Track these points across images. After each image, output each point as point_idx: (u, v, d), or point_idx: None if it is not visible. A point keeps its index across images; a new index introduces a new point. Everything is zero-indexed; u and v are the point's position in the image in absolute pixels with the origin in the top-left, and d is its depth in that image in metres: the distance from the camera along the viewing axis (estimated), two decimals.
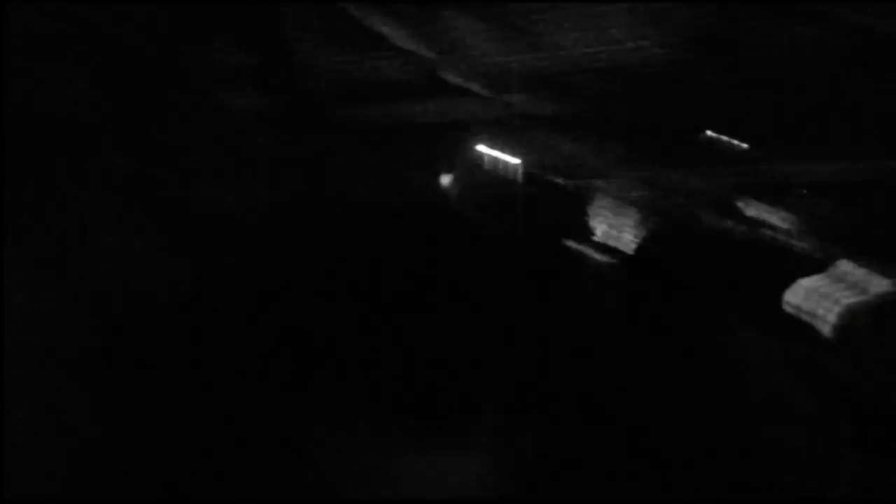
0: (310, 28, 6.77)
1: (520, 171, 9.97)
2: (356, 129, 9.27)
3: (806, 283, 4.05)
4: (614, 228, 9.90)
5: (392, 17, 6.63)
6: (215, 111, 7.97)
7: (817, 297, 3.94)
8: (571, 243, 5.00)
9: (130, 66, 7.11)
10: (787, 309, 4.17)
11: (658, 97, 8.70)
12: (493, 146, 9.86)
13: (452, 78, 7.82)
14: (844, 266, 4.16)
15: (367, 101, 8.94)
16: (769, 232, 6.90)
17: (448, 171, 10.45)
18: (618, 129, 9.66)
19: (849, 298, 3.99)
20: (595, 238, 6.30)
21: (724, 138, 9.12)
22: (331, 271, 3.43)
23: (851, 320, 3.94)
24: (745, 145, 9.16)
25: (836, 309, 3.96)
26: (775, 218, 7.22)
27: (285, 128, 7.66)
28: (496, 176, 9.33)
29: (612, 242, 9.02)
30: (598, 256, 5.36)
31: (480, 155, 9.96)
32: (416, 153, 10.61)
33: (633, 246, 9.48)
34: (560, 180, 8.33)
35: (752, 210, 7.76)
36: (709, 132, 9.22)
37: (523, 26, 7.20)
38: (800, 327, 4.24)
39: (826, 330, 3.95)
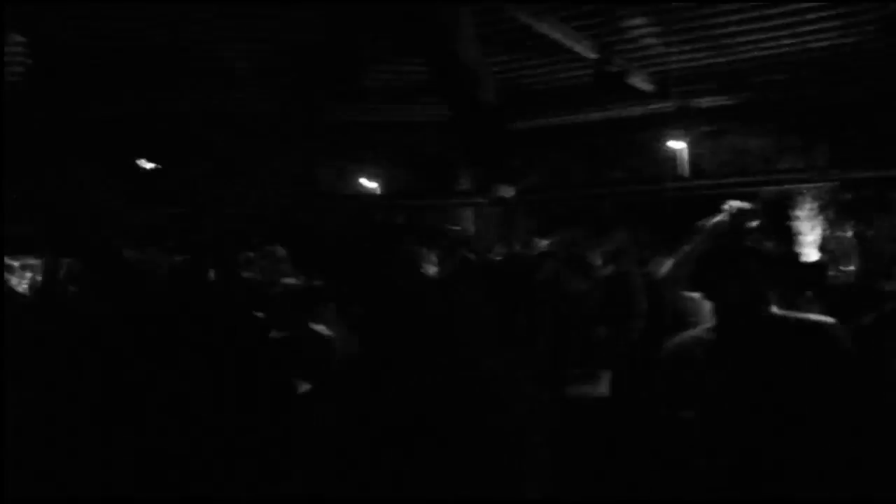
0: (485, 38, 6.89)
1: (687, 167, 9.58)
2: (534, 132, 9.34)
3: None
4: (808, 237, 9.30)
5: (566, 24, 6.64)
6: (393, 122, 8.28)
7: None
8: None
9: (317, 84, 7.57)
10: None
11: (850, 89, 8.13)
12: (672, 143, 9.56)
13: (629, 79, 7.69)
14: None
15: (544, 105, 8.99)
16: None
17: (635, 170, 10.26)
18: (809, 125, 9.11)
19: None
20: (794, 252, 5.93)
21: None
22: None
23: None
24: None
25: None
26: None
27: (464, 134, 7.80)
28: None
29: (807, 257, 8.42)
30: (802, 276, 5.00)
31: (661, 152, 9.72)
32: (596, 152, 10.51)
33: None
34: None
35: None
36: None
37: (700, 26, 6.99)
38: None
39: None
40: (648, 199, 9.81)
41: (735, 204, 3.85)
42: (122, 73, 7.90)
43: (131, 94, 8.44)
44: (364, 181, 11.13)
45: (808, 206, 9.00)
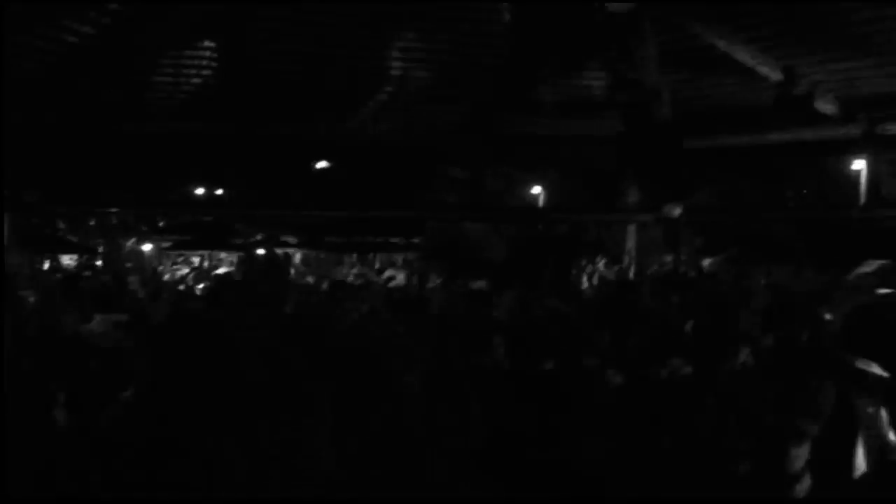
0: (666, 55, 6.92)
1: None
2: (707, 151, 9.21)
3: None
4: None
5: (752, 46, 6.56)
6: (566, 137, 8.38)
7: None
8: None
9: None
10: None
11: None
12: (853, 168, 9.18)
13: (818, 103, 7.45)
14: None
15: (722, 125, 8.83)
16: None
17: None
18: None
19: None
20: None
21: None
22: None
23: None
24: None
25: None
26: None
27: (639, 151, 7.83)
28: None
29: None
30: None
31: (839, 177, 9.33)
32: (770, 173, 10.22)
33: None
34: None
35: None
36: None
37: (891, 50, 6.73)
38: None
39: None
40: (823, 223, 9.50)
41: None
42: (305, 91, 8.31)
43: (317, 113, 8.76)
44: (533, 191, 11.35)
45: None
